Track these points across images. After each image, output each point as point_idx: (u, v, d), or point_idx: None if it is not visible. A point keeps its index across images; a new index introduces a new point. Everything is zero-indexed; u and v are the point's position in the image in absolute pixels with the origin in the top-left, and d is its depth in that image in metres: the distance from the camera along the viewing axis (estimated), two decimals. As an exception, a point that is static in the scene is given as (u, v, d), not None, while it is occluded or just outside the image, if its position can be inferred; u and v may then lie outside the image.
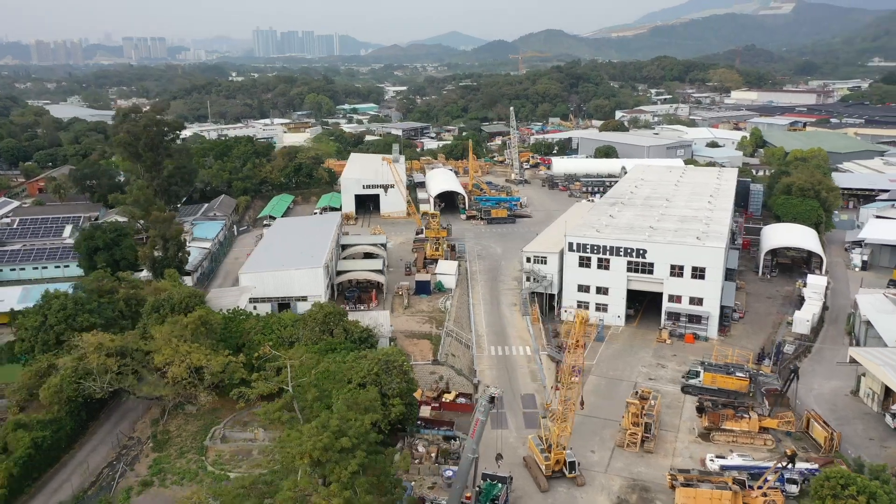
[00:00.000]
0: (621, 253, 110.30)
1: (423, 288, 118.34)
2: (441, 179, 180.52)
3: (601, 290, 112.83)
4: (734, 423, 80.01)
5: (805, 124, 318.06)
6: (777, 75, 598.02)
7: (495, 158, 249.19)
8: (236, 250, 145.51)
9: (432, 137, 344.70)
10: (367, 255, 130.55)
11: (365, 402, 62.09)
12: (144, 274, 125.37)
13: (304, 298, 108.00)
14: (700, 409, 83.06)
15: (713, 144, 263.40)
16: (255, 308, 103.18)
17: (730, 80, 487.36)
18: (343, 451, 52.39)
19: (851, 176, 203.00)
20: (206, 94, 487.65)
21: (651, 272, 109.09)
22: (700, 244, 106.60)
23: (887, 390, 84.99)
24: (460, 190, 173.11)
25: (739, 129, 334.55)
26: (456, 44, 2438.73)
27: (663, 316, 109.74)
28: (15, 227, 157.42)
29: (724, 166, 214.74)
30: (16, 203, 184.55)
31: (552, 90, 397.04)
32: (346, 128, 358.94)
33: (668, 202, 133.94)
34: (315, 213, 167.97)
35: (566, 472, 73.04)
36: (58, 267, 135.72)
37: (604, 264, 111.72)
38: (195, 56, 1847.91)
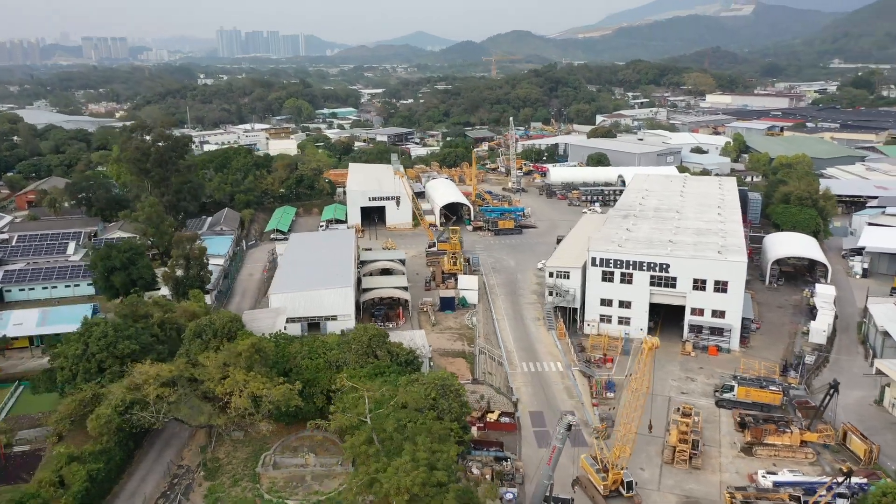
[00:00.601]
0: (644, 267, 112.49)
1: (447, 304, 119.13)
2: (444, 190, 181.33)
3: (624, 304, 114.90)
4: (776, 438, 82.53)
5: (782, 128, 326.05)
6: (745, 77, 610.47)
7: (487, 166, 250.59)
8: (249, 266, 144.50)
9: (417, 143, 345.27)
10: (385, 271, 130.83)
11: (441, 431, 62.78)
12: (162, 293, 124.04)
13: (333, 318, 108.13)
14: (742, 425, 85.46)
15: (698, 150, 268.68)
16: (284, 328, 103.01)
17: (704, 83, 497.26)
18: (439, 486, 53.11)
19: (838, 182, 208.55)
20: (180, 99, 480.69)
21: (674, 286, 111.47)
22: (722, 259, 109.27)
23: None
24: (465, 201, 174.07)
25: (718, 133, 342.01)
26: (422, 44, 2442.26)
27: (686, 329, 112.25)
28: (15, 244, 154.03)
29: (713, 173, 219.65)
30: (8, 217, 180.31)
31: (533, 95, 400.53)
32: (330, 133, 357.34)
33: (679, 214, 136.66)
34: (321, 226, 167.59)
35: (623, 492, 74.56)
36: (67, 286, 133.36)
37: (627, 278, 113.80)
38: (157, 56, 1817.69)
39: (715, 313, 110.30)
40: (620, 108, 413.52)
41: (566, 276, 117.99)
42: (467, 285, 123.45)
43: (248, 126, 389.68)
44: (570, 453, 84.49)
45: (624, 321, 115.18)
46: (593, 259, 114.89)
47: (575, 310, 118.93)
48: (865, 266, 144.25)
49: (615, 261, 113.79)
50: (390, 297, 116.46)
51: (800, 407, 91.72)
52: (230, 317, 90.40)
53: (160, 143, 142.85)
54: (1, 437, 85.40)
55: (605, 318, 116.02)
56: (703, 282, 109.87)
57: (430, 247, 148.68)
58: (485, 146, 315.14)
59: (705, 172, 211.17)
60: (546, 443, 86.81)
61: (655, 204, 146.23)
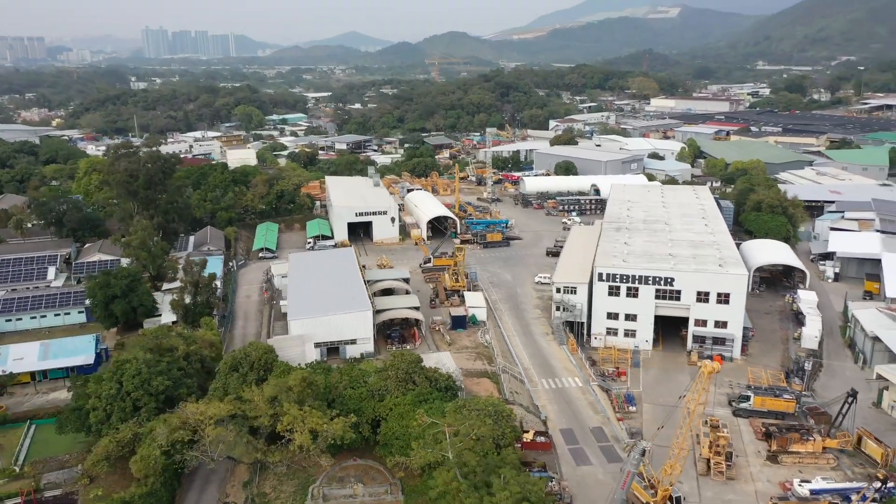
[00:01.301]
0: (649, 281, 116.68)
1: (459, 322, 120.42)
2: (428, 203, 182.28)
3: (630, 317, 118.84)
4: (800, 446, 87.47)
5: (728, 133, 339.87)
6: (682, 80, 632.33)
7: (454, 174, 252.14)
8: (244, 287, 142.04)
9: (375, 150, 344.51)
10: (386, 291, 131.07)
11: (514, 460, 64.34)
12: (164, 320, 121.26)
13: (353, 342, 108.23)
14: (767, 434, 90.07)
15: (655, 156, 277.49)
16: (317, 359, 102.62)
17: (647, 87, 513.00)
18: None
19: (793, 187, 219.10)
20: (121, 105, 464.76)
21: (678, 299, 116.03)
22: (724, 272, 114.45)
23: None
24: (450, 214, 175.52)
25: (668, 137, 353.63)
26: (356, 44, 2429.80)
27: (689, 339, 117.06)
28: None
29: (680, 180, 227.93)
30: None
31: (486, 100, 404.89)
32: (285, 141, 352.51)
33: (668, 226, 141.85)
34: (308, 243, 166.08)
35: (672, 508, 77.60)
36: (57, 315, 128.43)
37: (633, 292, 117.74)
38: (79, 57, 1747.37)
39: (717, 324, 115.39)
40: (571, 113, 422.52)
41: (573, 291, 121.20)
42: (476, 302, 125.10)
43: (198, 134, 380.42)
44: (606, 469, 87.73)
45: (630, 333, 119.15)
46: (600, 274, 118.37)
47: (581, 324, 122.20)
48: (837, 270, 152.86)
49: (621, 275, 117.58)
50: (405, 317, 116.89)
51: (811, 413, 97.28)
52: (265, 348, 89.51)
53: (150, 165, 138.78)
54: (30, 482, 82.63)
55: (612, 331, 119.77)
56: (707, 294, 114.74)
57: (425, 262, 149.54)
58: (446, 153, 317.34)
59: (672, 181, 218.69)
60: (582, 460, 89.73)
61: (642, 215, 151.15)
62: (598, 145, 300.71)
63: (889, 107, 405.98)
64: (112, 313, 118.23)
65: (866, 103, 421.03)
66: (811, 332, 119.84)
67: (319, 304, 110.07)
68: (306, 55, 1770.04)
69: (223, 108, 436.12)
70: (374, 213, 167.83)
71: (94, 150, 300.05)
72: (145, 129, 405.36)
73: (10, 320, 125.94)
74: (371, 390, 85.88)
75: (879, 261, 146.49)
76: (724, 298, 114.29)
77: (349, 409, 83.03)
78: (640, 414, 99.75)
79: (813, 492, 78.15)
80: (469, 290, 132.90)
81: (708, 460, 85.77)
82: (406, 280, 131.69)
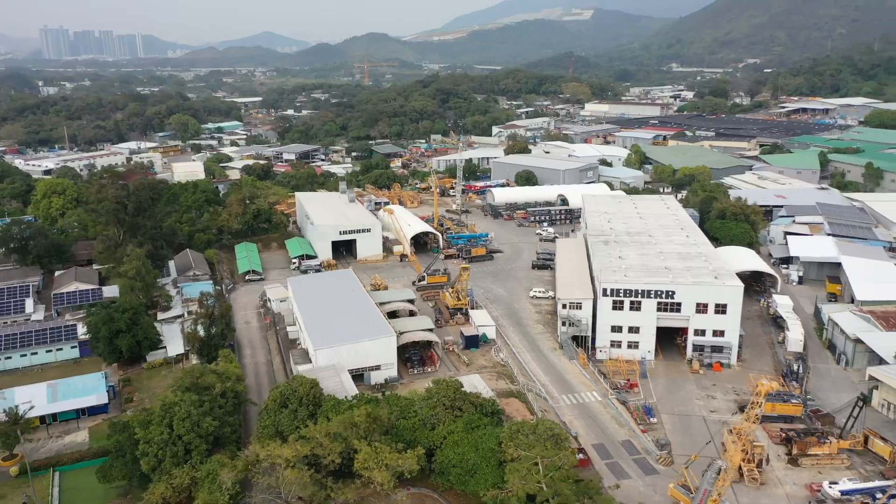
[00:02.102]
0: (651, 295, 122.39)
1: (472, 342, 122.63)
2: (407, 219, 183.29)
3: (633, 330, 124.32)
4: (818, 448, 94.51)
5: (665, 137, 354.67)
6: (607, 83, 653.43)
7: (419, 186, 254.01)
8: (240, 313, 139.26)
9: (324, 160, 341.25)
10: (391, 314, 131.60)
11: (596, 486, 67.49)
12: (170, 353, 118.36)
13: (377, 367, 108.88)
14: (788, 440, 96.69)
15: (604, 162, 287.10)
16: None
17: (580, 92, 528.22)
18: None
19: (741, 193, 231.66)
20: (42, 115, 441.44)
21: (679, 310, 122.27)
22: (721, 283, 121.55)
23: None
24: (431, 229, 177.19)
25: (608, 142, 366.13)
26: (272, 44, 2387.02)
27: (689, 348, 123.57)
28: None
29: (638, 189, 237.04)
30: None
31: (428, 107, 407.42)
32: (230, 152, 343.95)
33: (652, 238, 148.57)
34: (293, 263, 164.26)
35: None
36: (49, 351, 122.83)
37: (635, 306, 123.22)
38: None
39: (716, 333, 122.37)
40: (511, 119, 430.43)
41: (578, 306, 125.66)
42: (483, 321, 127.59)
43: (132, 145, 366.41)
44: (646, 482, 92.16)
45: (633, 345, 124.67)
46: (604, 290, 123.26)
47: (585, 337, 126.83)
48: (800, 274, 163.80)
49: (625, 290, 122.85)
50: (422, 339, 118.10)
51: (815, 416, 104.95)
52: (310, 382, 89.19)
53: (140, 192, 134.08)
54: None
55: (616, 344, 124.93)
56: (706, 305, 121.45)
57: (419, 280, 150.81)
58: (398, 162, 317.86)
59: (634, 189, 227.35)
60: (621, 475, 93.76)
61: (623, 227, 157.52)
62: (548, 152, 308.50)
63: (804, 110, 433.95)
64: (116, 348, 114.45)
65: (784, 107, 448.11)
66: (796, 336, 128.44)
67: (341, 331, 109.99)
68: (222, 57, 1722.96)
69: (155, 116, 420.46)
70: (359, 231, 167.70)
71: (34, 167, 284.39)
72: (73, 141, 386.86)
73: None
74: (423, 420, 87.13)
75: (838, 264, 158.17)
76: (721, 309, 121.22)
77: (405, 440, 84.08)
78: (662, 425, 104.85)
79: (843, 493, 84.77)
80: (472, 307, 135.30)
81: (739, 468, 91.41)
82: (411, 301, 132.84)
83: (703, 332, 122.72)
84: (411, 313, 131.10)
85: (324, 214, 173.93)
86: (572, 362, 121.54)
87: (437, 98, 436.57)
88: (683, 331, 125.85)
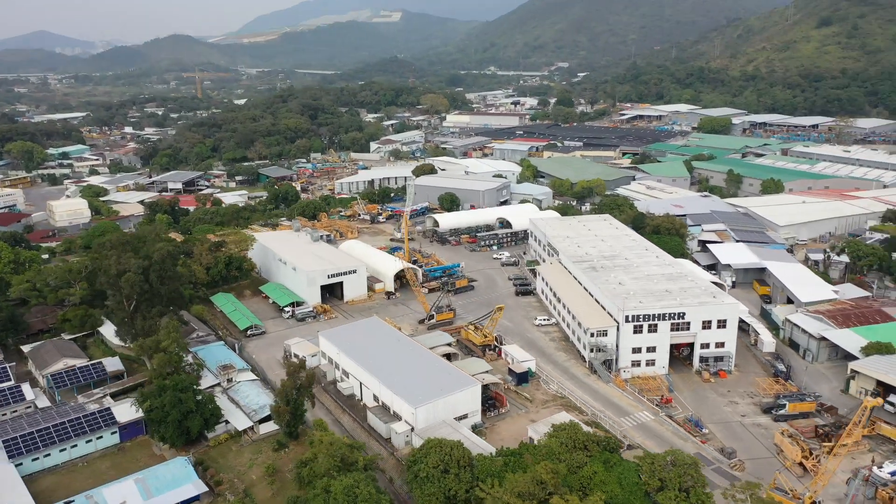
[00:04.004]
0: (665, 318, 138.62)
1: (523, 378, 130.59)
2: (375, 255, 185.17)
3: (650, 349, 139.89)
4: (847, 438, 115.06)
5: (538, 148, 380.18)
6: (443, 89, 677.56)
7: (342, 213, 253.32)
8: (268, 373, 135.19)
9: (208, 186, 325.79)
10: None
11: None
12: (239, 426, 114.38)
13: (465, 416, 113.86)
14: (826, 435, 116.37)
15: (499, 176, 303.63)
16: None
17: (439, 104, 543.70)
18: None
19: (640, 203, 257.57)
20: None
21: (688, 329, 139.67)
22: (721, 302, 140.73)
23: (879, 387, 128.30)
24: (409, 264, 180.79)
25: (487, 155, 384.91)
26: (49, 45, 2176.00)
27: (696, 360, 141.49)
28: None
29: (551, 205, 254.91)
30: None
31: (302, 125, 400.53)
32: (102, 182, 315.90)
33: (628, 260, 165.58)
34: (286, 312, 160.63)
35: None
36: (89, 441, 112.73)
37: (652, 328, 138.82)
38: None
39: (718, 345, 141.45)
40: (381, 133, 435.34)
41: (605, 333, 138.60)
42: (523, 356, 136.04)
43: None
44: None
45: (650, 363, 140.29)
46: (626, 316, 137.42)
47: (609, 360, 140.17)
48: (734, 279, 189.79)
49: (644, 315, 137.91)
50: (491, 382, 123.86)
51: (822, 408, 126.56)
52: (453, 443, 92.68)
53: (165, 261, 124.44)
54: None
55: (635, 363, 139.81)
56: (710, 322, 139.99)
57: (428, 319, 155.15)
58: (297, 186, 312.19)
59: (563, 208, 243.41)
60: (712, 486, 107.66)
61: (596, 251, 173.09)
62: (443, 169, 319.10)
63: (641, 117, 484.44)
64: (185, 430, 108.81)
65: (623, 114, 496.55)
66: (769, 339, 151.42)
67: (425, 385, 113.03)
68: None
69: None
70: (346, 273, 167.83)
71: None
72: None
73: (36, 458, 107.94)
74: (570, 466, 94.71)
75: (762, 269, 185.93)
76: (722, 324, 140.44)
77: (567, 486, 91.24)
78: (714, 434, 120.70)
79: (892, 473, 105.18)
80: (501, 343, 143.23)
81: (801, 463, 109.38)
82: (449, 344, 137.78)
83: (707, 345, 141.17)
84: (449, 357, 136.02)
85: (302, 258, 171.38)
86: (609, 385, 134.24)
87: (304, 114, 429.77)
88: (682, 344, 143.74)
